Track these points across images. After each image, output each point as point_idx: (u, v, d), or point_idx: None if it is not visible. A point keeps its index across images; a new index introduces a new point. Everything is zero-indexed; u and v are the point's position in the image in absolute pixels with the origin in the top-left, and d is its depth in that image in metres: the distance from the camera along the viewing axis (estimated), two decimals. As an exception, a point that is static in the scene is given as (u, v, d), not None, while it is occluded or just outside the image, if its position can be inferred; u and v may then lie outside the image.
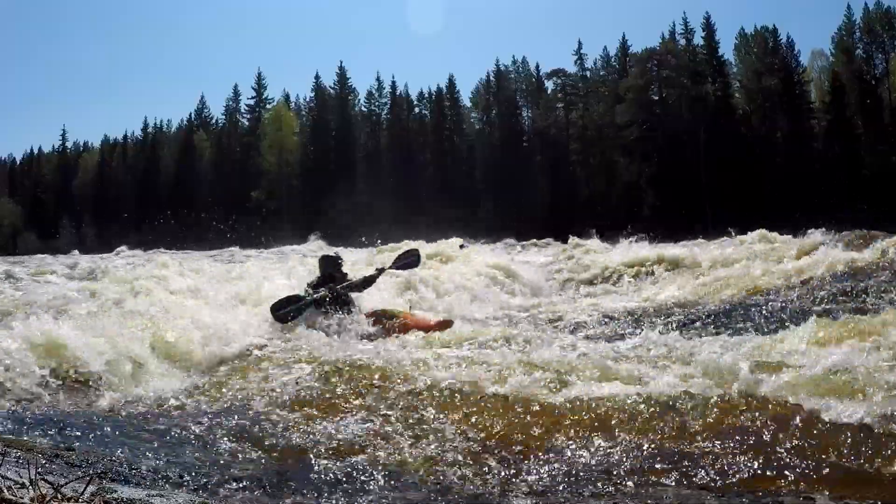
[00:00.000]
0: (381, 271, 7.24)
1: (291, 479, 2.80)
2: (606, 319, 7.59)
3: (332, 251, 10.30)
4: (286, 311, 6.31)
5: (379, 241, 18.66)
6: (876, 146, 39.78)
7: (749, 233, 15.66)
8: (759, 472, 2.76)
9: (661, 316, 7.65)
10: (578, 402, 3.56)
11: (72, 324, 4.82)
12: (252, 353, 5.49)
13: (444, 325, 6.25)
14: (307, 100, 59.94)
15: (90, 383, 4.29)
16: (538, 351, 4.94)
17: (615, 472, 2.85)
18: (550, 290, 11.91)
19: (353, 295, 6.84)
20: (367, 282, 7.05)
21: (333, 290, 6.65)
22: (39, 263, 19.63)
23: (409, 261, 7.83)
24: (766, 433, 3.06)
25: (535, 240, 27.79)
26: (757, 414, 3.27)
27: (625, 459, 2.96)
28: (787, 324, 5.49)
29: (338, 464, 2.98)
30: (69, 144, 72.58)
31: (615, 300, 9.53)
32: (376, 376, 4.34)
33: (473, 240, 22.62)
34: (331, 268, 7.01)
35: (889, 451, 2.80)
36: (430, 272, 9.98)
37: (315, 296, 6.52)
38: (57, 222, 60.84)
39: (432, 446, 3.21)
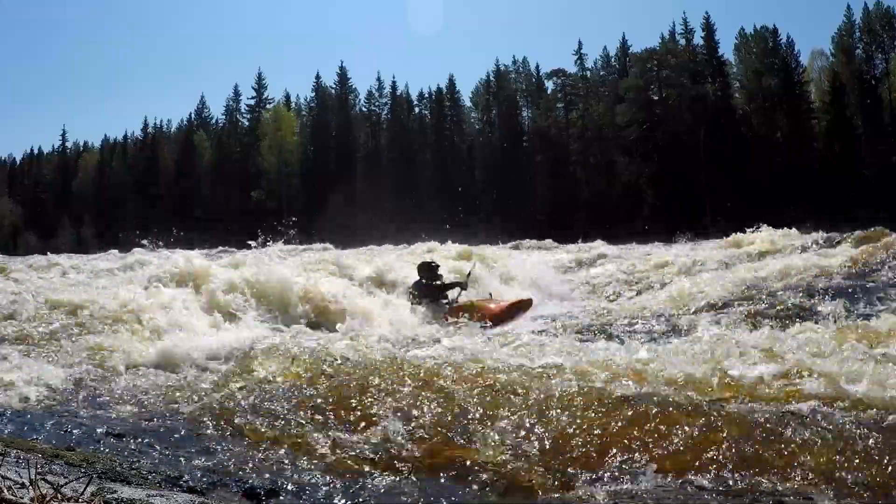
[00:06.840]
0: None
1: (292, 480, 2.80)
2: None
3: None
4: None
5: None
6: (876, 146, 39.73)
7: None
8: (759, 471, 2.76)
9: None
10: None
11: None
12: (250, 352, 5.47)
13: (522, 304, 7.65)
14: (307, 100, 59.99)
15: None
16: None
17: (621, 468, 2.85)
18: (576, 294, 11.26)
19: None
20: (452, 286, 8.38)
21: (436, 286, 8.16)
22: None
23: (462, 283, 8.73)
24: (767, 433, 3.06)
25: (534, 241, 27.50)
26: (757, 413, 3.27)
27: (631, 455, 2.96)
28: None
29: (339, 464, 2.98)
30: (69, 144, 72.66)
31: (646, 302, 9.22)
32: (395, 378, 4.27)
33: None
34: (429, 272, 8.38)
35: (888, 452, 2.80)
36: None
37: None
38: (57, 222, 60.82)
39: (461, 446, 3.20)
